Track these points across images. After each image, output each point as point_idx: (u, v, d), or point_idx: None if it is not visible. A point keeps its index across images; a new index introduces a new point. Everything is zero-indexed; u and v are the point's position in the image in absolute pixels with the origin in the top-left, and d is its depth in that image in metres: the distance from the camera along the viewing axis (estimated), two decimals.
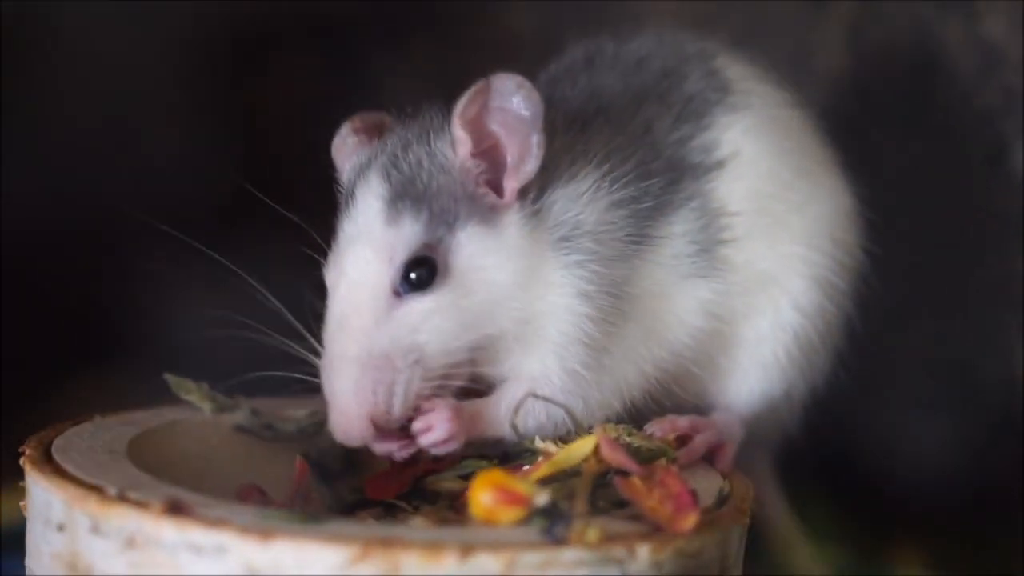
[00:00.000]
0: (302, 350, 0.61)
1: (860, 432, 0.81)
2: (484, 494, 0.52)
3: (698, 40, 0.70)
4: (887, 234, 0.71)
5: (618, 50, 0.69)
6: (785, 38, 0.87)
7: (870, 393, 0.78)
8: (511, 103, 0.60)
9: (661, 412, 0.64)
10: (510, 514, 0.52)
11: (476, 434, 0.61)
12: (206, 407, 0.65)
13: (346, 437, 0.59)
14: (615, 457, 0.56)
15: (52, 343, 0.86)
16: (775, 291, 0.67)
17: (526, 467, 0.59)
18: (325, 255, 0.62)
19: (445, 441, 0.59)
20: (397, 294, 0.59)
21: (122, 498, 0.52)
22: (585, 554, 0.50)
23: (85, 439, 0.59)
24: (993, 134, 0.81)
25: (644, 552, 0.51)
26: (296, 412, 0.66)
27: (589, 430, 0.59)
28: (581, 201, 0.62)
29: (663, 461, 0.59)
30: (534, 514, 0.52)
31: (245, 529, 0.49)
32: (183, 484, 0.54)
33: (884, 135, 0.84)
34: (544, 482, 0.55)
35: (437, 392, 0.60)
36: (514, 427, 0.61)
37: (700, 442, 0.64)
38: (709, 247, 0.65)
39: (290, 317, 0.62)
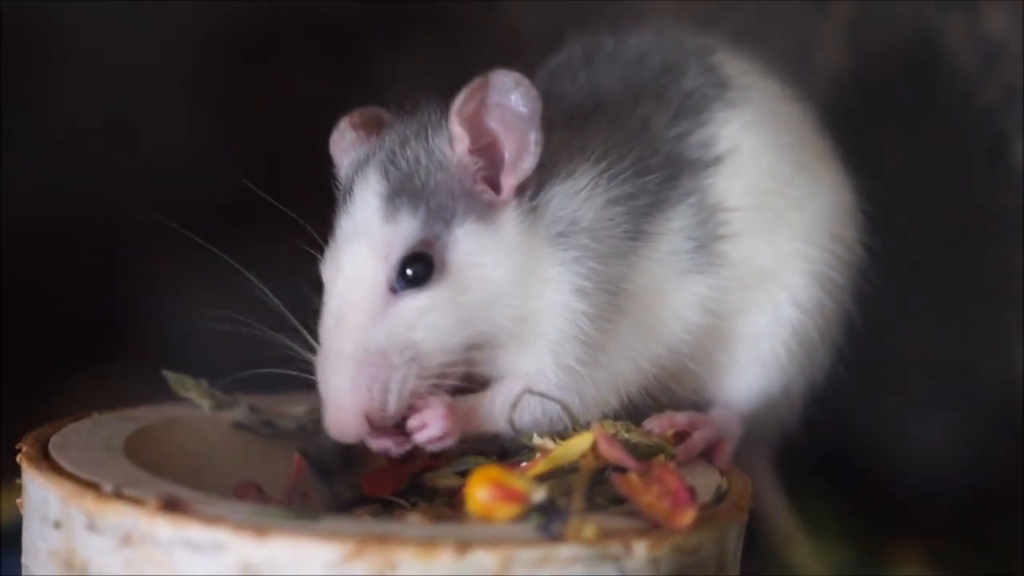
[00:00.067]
0: (299, 348, 0.61)
1: (859, 429, 0.81)
2: (481, 490, 0.52)
3: (697, 36, 0.70)
4: (887, 232, 0.71)
5: (617, 46, 0.69)
6: (786, 36, 0.87)
7: (869, 390, 0.78)
8: (509, 100, 0.60)
9: (659, 408, 0.64)
10: (507, 510, 0.52)
11: (471, 430, 0.61)
12: (205, 404, 0.65)
13: (340, 434, 0.59)
14: (613, 453, 0.56)
15: (52, 343, 0.86)
16: (774, 287, 0.67)
17: (523, 463, 0.58)
18: (324, 253, 0.62)
19: (440, 438, 0.59)
20: (393, 291, 0.59)
21: (118, 495, 0.52)
22: (582, 550, 0.50)
23: (82, 436, 0.59)
24: (994, 131, 0.81)
25: (641, 549, 0.51)
26: (295, 409, 0.66)
27: (587, 426, 0.59)
28: (578, 198, 0.61)
29: (661, 457, 0.59)
30: (531, 510, 0.52)
31: (241, 526, 0.49)
32: (181, 481, 0.54)
33: (884, 133, 0.84)
34: (541, 478, 0.55)
35: (432, 390, 0.60)
36: (511, 423, 0.61)
37: (698, 438, 0.64)
38: (707, 243, 0.64)
39: (288, 315, 0.62)
